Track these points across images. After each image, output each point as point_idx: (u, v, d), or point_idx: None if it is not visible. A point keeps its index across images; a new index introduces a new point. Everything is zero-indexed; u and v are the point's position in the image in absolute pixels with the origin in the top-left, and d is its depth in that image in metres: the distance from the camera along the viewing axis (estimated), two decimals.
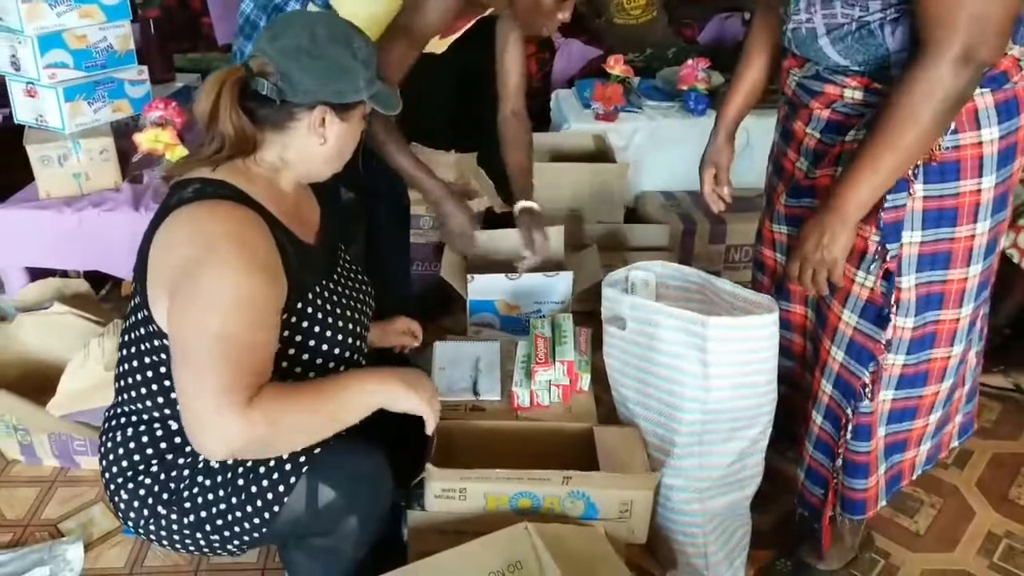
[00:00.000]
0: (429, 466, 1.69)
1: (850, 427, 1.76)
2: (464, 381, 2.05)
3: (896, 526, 2.22)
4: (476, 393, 2.01)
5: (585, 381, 2.03)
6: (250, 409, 1.38)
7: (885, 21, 1.48)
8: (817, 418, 1.84)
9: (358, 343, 1.68)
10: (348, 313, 1.66)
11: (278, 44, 1.49)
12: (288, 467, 1.52)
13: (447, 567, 1.59)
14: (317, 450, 1.53)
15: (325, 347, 1.60)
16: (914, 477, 1.91)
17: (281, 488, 1.51)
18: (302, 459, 1.52)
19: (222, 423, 1.37)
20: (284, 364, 1.55)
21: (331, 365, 1.62)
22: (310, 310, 1.57)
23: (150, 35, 3.33)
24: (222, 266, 1.39)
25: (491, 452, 1.80)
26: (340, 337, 1.62)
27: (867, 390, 1.71)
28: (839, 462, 1.82)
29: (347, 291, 1.72)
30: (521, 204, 2.47)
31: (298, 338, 1.56)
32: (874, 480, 1.84)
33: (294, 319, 1.54)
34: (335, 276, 1.71)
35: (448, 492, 1.73)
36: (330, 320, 1.60)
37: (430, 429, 1.60)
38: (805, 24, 1.60)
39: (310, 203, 1.74)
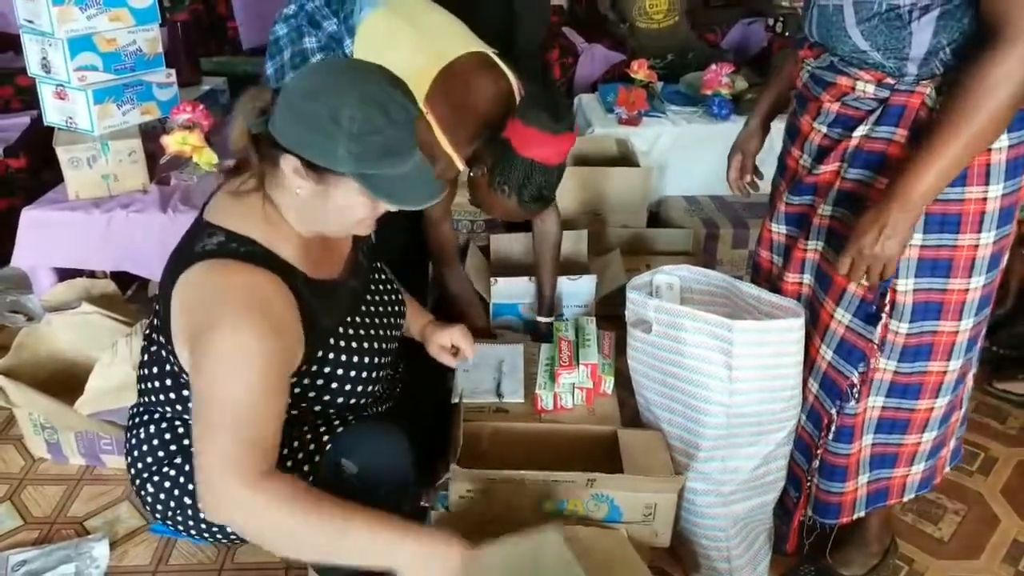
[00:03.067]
0: (454, 466, 1.70)
1: (832, 428, 1.75)
2: (487, 383, 2.06)
3: (920, 533, 2.21)
4: (499, 395, 2.02)
5: (609, 384, 2.03)
6: (249, 490, 1.35)
7: (915, 7, 1.46)
8: (801, 417, 1.83)
9: (377, 373, 1.70)
10: (371, 344, 1.68)
11: (288, 83, 1.47)
12: (312, 447, 1.56)
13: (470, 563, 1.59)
14: (340, 428, 1.57)
15: (349, 386, 1.64)
16: (905, 499, 1.87)
17: (305, 468, 1.55)
18: (325, 439, 1.57)
19: (222, 488, 1.36)
20: (304, 405, 1.59)
21: (345, 401, 1.65)
22: (331, 355, 1.61)
23: (178, 39, 3.36)
24: (234, 332, 1.40)
25: (515, 454, 1.81)
26: (364, 374, 1.65)
27: (854, 391, 1.71)
28: (815, 463, 1.82)
29: (374, 319, 1.73)
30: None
31: (319, 381, 1.60)
32: (851, 486, 1.83)
33: (315, 367, 1.58)
34: (362, 308, 1.72)
35: (472, 493, 1.74)
36: (355, 359, 1.64)
37: None
38: (833, 1, 1.57)
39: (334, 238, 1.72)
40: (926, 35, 1.48)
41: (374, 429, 1.60)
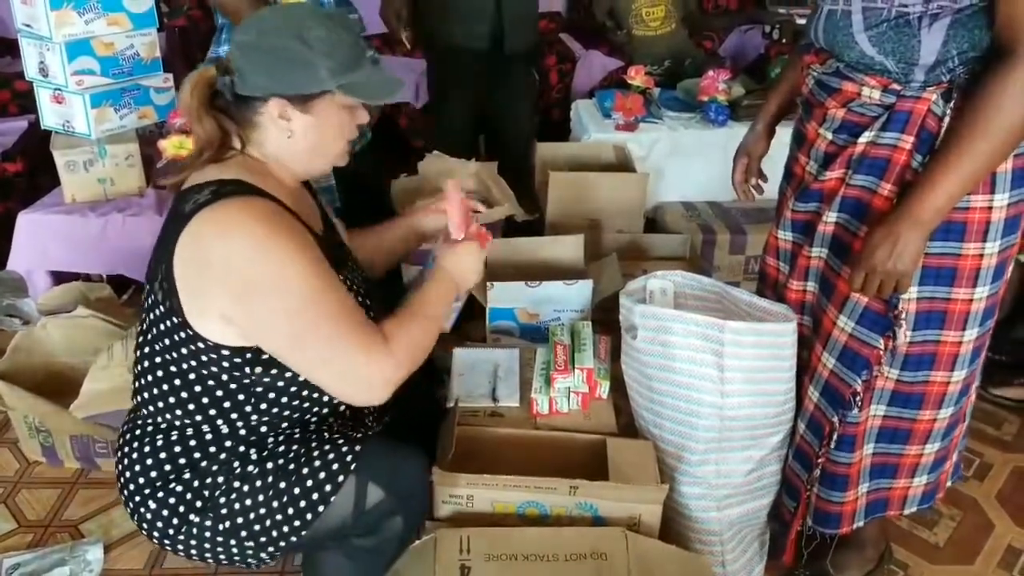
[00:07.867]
0: (436, 469, 1.69)
1: (834, 436, 1.74)
2: (483, 387, 2.05)
3: (915, 538, 2.21)
4: (495, 399, 2.01)
5: (604, 388, 2.03)
6: (392, 346, 1.49)
7: (925, 14, 1.45)
8: (800, 426, 1.83)
9: None
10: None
11: (237, 40, 1.50)
12: (336, 467, 1.52)
13: (535, 537, 1.63)
14: (359, 447, 1.54)
15: None
16: (905, 512, 1.87)
17: (328, 488, 1.51)
18: (349, 458, 1.53)
19: (381, 372, 1.47)
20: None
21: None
22: None
23: (176, 43, 3.38)
24: (283, 256, 1.41)
25: (508, 459, 1.80)
26: None
27: (857, 399, 1.69)
28: (816, 472, 1.80)
29: (352, 288, 1.67)
30: None
31: None
32: (852, 495, 1.81)
33: None
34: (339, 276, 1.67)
35: (455, 499, 1.73)
36: None
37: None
38: (842, 6, 1.56)
39: (308, 202, 1.71)
40: (936, 43, 1.47)
41: (396, 447, 1.58)
